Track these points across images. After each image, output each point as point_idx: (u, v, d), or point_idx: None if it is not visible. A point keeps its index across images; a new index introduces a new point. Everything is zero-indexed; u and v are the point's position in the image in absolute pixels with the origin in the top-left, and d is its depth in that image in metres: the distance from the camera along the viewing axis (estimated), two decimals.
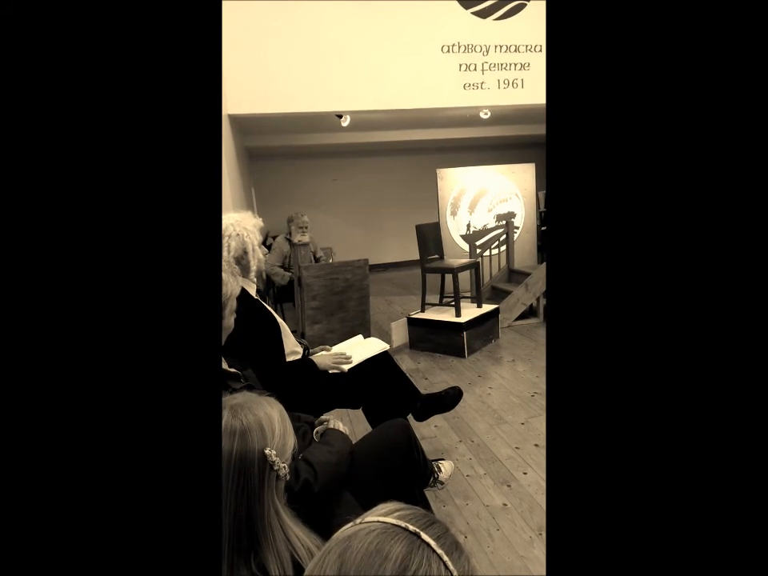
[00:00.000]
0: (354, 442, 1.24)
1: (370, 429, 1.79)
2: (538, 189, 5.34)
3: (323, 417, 1.23)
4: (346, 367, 1.65)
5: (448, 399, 2.00)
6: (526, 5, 4.10)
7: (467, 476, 1.94)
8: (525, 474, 1.93)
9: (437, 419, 2.33)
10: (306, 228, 4.12)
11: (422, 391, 2.55)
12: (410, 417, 1.90)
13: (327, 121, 4.72)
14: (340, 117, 4.36)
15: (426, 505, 1.37)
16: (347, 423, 2.36)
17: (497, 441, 2.21)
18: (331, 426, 1.18)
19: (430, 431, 2.33)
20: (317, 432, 1.18)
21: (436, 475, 1.57)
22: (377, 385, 1.73)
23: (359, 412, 1.95)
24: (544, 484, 1.84)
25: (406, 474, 1.23)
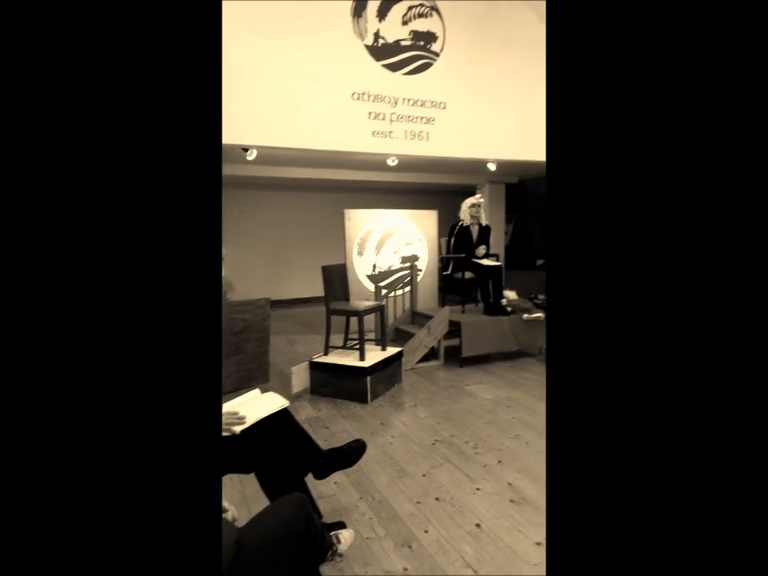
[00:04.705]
0: (243, 521, 1.10)
1: (261, 490, 1.64)
2: (440, 235, 5.57)
3: None
4: (237, 429, 1.50)
5: (351, 453, 1.90)
6: (432, 64, 4.36)
7: (367, 539, 1.84)
8: (426, 532, 1.88)
9: (337, 475, 2.21)
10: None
11: (322, 442, 2.42)
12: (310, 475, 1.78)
13: (233, 153, 4.56)
14: (246, 150, 4.24)
15: None
16: (237, 483, 2.15)
17: (398, 496, 2.14)
18: None
19: (329, 488, 2.20)
20: None
21: (335, 548, 1.46)
22: (273, 447, 1.59)
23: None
24: (444, 542, 1.81)
25: (301, 556, 1.11)
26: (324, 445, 1.99)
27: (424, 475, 2.32)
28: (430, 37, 4.33)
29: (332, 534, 1.54)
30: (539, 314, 4.41)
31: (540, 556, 1.72)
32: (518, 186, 7.66)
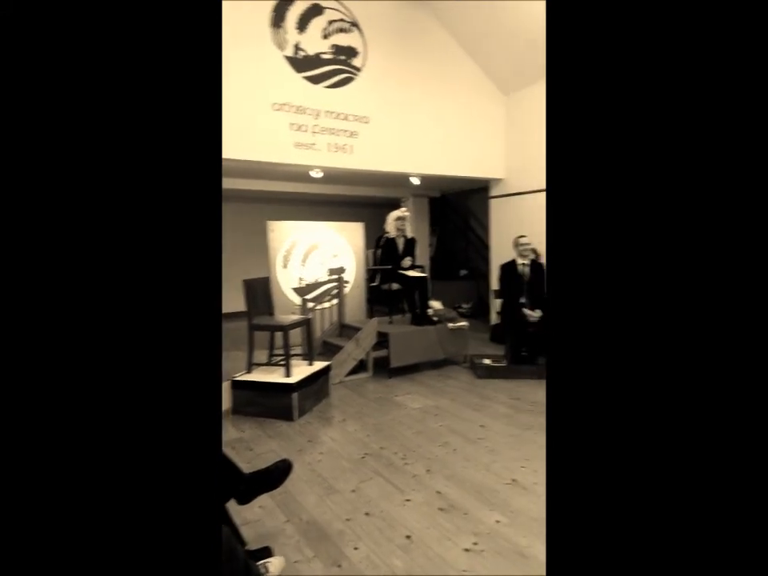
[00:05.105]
0: None
1: None
2: (367, 247, 5.60)
3: None
4: None
5: (276, 475, 1.83)
6: (353, 78, 4.41)
7: (295, 562, 1.76)
8: (356, 549, 1.83)
9: (262, 498, 2.11)
10: None
11: (246, 465, 2.31)
12: (233, 501, 1.68)
13: None
14: None
15: None
16: None
17: (327, 514, 2.08)
18: None
19: (253, 514, 2.09)
20: None
21: None
22: None
23: None
24: (375, 558, 1.77)
25: None
26: (248, 467, 1.90)
27: (353, 491, 2.28)
28: (351, 52, 4.38)
29: (259, 563, 1.45)
30: (464, 323, 4.55)
31: (468, 562, 1.74)
32: (441, 200, 7.92)
